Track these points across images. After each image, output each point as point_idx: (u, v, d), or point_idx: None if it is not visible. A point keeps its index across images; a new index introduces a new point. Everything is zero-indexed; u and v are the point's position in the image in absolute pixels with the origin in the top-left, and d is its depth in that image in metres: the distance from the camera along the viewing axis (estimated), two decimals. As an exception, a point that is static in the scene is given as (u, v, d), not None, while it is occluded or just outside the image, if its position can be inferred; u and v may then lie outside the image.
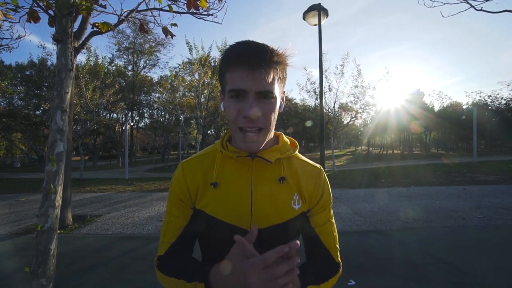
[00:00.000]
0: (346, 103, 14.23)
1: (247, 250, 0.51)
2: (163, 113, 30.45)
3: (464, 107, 35.95)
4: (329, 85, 13.23)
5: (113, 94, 15.81)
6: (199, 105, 12.61)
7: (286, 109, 31.49)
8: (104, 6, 2.15)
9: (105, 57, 23.54)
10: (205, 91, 13.17)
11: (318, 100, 5.56)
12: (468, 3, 3.82)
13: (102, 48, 65.45)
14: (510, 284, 2.55)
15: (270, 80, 0.58)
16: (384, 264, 3.04)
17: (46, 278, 1.60)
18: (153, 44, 27.26)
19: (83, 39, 3.76)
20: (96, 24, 2.05)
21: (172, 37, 2.40)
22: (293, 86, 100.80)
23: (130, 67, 29.32)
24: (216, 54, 19.84)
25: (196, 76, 12.89)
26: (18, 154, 34.66)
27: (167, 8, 2.42)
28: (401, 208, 5.65)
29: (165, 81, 20.92)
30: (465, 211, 5.21)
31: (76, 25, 3.43)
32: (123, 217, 5.53)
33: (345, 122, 17.41)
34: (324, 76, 8.31)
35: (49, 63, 21.95)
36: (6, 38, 2.54)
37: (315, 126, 24.76)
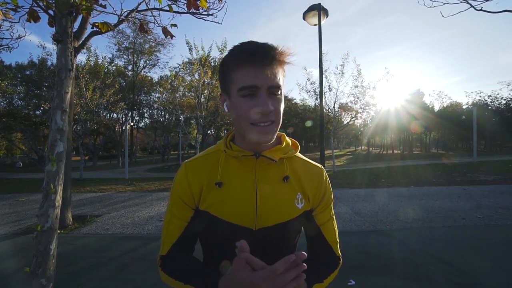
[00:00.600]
0: (346, 103, 14.24)
1: (255, 263, 0.53)
2: (163, 113, 30.48)
3: (464, 107, 35.95)
4: (329, 85, 13.25)
5: (113, 94, 15.78)
6: (199, 105, 12.62)
7: (286, 109, 31.40)
8: (104, 6, 2.15)
9: (105, 57, 23.53)
10: (205, 91, 13.17)
11: (318, 100, 5.56)
12: (468, 3, 3.82)
13: (102, 48, 65.46)
14: (510, 284, 2.55)
15: (278, 76, 0.61)
16: (384, 264, 3.04)
17: (46, 278, 1.60)
18: (153, 44, 27.29)
19: (83, 39, 3.76)
20: (96, 24, 2.05)
21: (171, 38, 2.40)
22: (293, 86, 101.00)
23: (130, 67, 29.35)
24: (216, 54, 19.87)
25: (196, 76, 12.90)
26: (18, 154, 34.67)
27: (167, 8, 2.42)
28: (401, 208, 5.65)
29: (165, 81, 20.91)
30: (465, 211, 5.21)
31: (76, 25, 3.44)
32: (123, 217, 5.53)
33: (345, 122, 17.42)
34: (324, 76, 8.31)
35: (49, 63, 21.98)
36: (6, 38, 2.55)
37: (315, 126, 24.75)
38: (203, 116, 12.82)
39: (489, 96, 33.36)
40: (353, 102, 13.89)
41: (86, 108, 12.47)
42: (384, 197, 6.79)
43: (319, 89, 5.39)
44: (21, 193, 8.87)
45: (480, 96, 34.11)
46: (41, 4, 1.76)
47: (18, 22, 1.97)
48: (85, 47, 3.18)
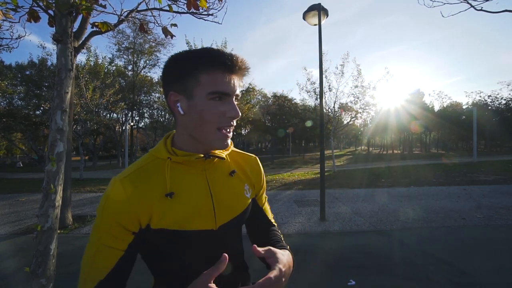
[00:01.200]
0: (346, 103, 14.21)
1: None
2: (163, 113, 30.44)
3: (464, 107, 35.93)
4: (329, 85, 13.22)
5: (113, 94, 15.77)
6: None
7: (286, 109, 31.48)
8: (104, 6, 2.15)
9: (105, 57, 23.42)
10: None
11: (318, 100, 5.56)
12: (468, 3, 3.81)
13: (102, 48, 65.43)
14: (510, 284, 2.55)
15: (241, 84, 0.66)
16: (384, 264, 3.04)
17: (46, 278, 1.60)
18: (153, 44, 27.20)
19: (83, 39, 3.75)
20: (96, 24, 2.05)
21: (172, 38, 2.40)
22: (293, 86, 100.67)
23: (130, 67, 29.28)
24: (216, 54, 19.75)
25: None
26: (18, 154, 34.66)
27: (167, 8, 2.42)
28: (401, 208, 5.65)
29: (165, 81, 20.81)
30: (465, 211, 5.21)
31: (76, 25, 3.43)
32: (123, 217, 5.52)
33: (345, 122, 17.40)
34: (324, 76, 8.30)
35: (49, 63, 21.89)
36: (6, 38, 2.55)
37: (315, 126, 24.73)
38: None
39: (489, 96, 33.42)
40: (353, 102, 13.87)
41: (86, 108, 12.45)
42: (384, 197, 6.79)
43: (319, 89, 5.38)
44: (21, 193, 8.87)
45: (480, 96, 34.16)
46: (41, 4, 1.76)
47: (18, 22, 1.97)
48: (85, 47, 3.18)
